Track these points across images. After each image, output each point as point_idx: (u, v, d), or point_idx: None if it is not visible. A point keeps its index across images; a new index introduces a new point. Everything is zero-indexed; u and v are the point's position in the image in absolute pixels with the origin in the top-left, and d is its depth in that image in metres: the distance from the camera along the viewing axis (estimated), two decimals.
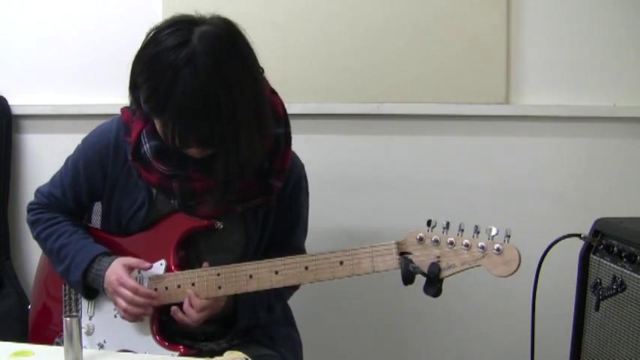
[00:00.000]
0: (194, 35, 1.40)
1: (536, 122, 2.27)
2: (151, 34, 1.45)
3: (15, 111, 2.44)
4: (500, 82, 2.24)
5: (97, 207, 1.79)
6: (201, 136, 1.43)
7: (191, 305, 1.54)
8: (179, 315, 1.55)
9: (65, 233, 1.66)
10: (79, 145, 1.70)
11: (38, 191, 1.74)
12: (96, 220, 1.82)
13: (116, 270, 1.57)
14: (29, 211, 1.73)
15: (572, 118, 2.25)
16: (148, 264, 1.58)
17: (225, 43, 1.43)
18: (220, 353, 1.39)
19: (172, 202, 1.59)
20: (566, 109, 2.24)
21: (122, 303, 1.55)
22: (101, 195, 1.68)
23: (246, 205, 1.59)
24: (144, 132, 1.57)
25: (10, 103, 2.43)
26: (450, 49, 2.24)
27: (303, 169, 1.73)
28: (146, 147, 1.56)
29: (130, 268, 1.58)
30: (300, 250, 1.75)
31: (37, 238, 1.71)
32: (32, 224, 1.71)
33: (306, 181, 1.74)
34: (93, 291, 1.63)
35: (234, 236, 1.64)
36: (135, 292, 1.54)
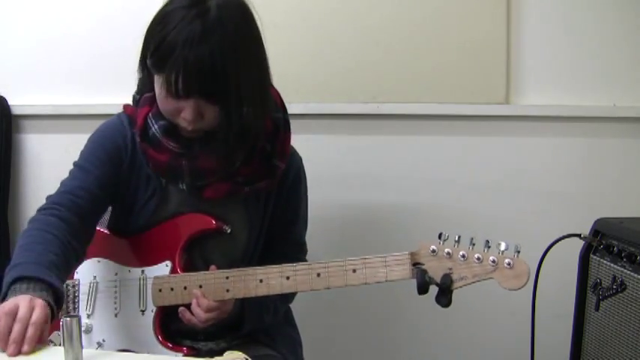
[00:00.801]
0: (210, 1, 1.45)
1: (536, 122, 2.27)
2: (164, 4, 1.49)
3: (15, 111, 2.44)
4: (500, 82, 2.24)
5: None
6: (205, 85, 1.44)
7: (198, 305, 1.53)
8: (187, 315, 1.55)
9: (42, 244, 1.45)
10: (86, 144, 1.65)
11: (48, 197, 1.57)
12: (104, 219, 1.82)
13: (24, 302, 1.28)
14: (38, 211, 1.54)
15: (572, 118, 2.25)
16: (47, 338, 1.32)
17: (239, 13, 1.49)
18: (220, 353, 1.39)
19: (181, 185, 1.59)
20: (566, 109, 2.24)
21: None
22: (112, 185, 1.61)
23: (253, 186, 1.60)
24: (150, 115, 1.58)
25: (10, 103, 2.43)
26: (450, 49, 2.24)
27: (302, 162, 1.74)
28: (154, 128, 1.57)
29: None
30: (300, 243, 1.76)
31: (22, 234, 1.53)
32: (29, 222, 1.54)
33: (305, 174, 1.75)
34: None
35: (239, 225, 1.64)
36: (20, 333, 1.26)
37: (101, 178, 1.59)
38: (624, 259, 1.64)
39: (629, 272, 1.63)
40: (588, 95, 2.24)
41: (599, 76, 2.24)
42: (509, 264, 1.39)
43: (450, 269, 1.43)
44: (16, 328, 1.24)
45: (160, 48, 1.44)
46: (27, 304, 1.27)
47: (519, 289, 1.39)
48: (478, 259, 1.41)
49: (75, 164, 1.63)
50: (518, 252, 1.39)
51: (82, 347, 1.29)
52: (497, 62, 2.24)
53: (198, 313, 1.53)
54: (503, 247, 1.39)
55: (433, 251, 1.45)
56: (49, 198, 1.57)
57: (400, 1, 2.25)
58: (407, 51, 2.25)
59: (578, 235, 1.76)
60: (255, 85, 1.51)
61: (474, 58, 2.24)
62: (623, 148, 2.25)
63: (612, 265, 1.68)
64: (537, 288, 1.78)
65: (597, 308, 1.72)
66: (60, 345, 1.29)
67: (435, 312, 2.34)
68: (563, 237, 1.74)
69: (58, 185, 1.60)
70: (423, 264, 1.45)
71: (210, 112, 1.49)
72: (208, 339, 1.67)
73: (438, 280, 1.43)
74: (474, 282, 1.42)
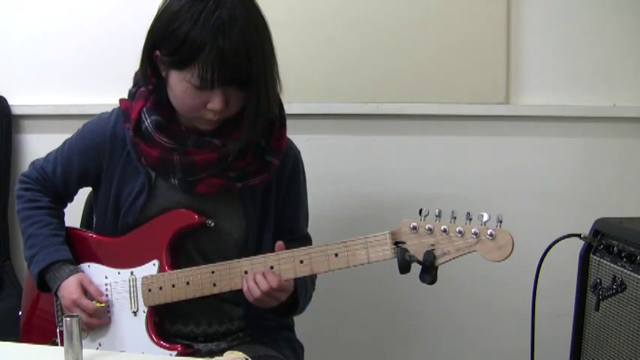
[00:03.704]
0: None
1: (536, 122, 2.27)
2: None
3: (15, 111, 2.44)
4: (500, 82, 2.24)
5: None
6: (241, 73, 1.45)
7: (268, 282, 1.49)
8: (249, 283, 1.51)
9: (39, 222, 1.70)
10: (78, 130, 1.73)
11: (32, 164, 1.78)
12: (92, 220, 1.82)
13: (72, 288, 1.61)
14: (19, 182, 1.78)
15: (572, 118, 2.25)
16: (104, 297, 1.62)
17: None
18: (220, 354, 1.39)
19: (172, 181, 1.59)
20: (566, 109, 2.24)
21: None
22: (91, 179, 1.70)
23: (245, 182, 1.59)
24: (144, 109, 1.59)
25: (10, 103, 2.43)
26: (450, 49, 2.24)
27: (300, 154, 1.74)
28: (147, 122, 1.58)
29: (84, 290, 1.62)
30: (306, 237, 1.76)
31: (17, 213, 1.76)
32: (17, 198, 1.77)
33: (303, 166, 1.75)
34: (48, 287, 1.67)
35: (234, 221, 1.64)
36: (90, 314, 1.60)
37: (75, 170, 1.70)
38: (624, 259, 1.64)
39: (629, 272, 1.63)
40: (588, 95, 2.24)
41: (599, 76, 2.24)
42: (491, 235, 1.35)
43: (432, 245, 1.40)
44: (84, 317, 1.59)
45: (185, 44, 1.43)
46: (75, 291, 1.60)
47: (503, 260, 1.35)
48: (460, 232, 1.38)
49: (64, 144, 1.74)
50: (501, 222, 1.36)
51: (82, 347, 1.29)
52: (497, 62, 2.24)
53: (253, 288, 1.50)
54: (485, 217, 1.36)
55: (414, 228, 1.42)
56: (32, 165, 1.78)
57: (401, 1, 2.25)
58: (407, 51, 2.25)
59: (578, 235, 1.76)
60: (274, 67, 1.53)
61: (474, 58, 2.24)
62: (623, 148, 2.25)
63: (612, 265, 1.68)
64: (537, 288, 1.78)
65: (597, 308, 1.72)
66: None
67: (435, 312, 2.35)
68: (563, 237, 1.74)
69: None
70: (405, 242, 1.43)
71: (235, 99, 1.50)
72: (208, 340, 1.67)
73: (421, 257, 1.40)
74: (457, 256, 1.39)
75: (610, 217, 1.78)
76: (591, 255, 1.76)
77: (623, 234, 1.67)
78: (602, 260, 1.72)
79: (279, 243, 1.53)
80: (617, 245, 1.68)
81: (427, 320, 2.37)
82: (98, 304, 1.60)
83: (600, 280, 1.71)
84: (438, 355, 2.39)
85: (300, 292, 1.61)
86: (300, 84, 2.26)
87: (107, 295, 1.63)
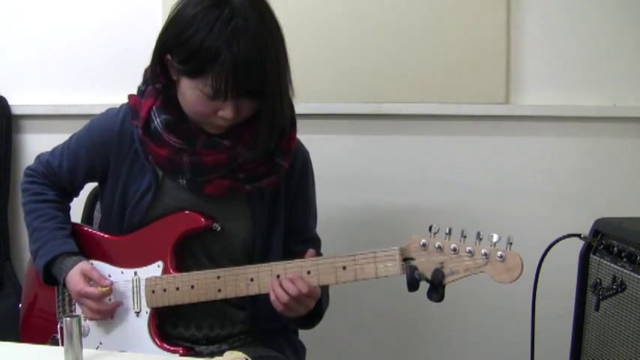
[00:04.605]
0: None
1: (536, 122, 2.27)
2: (181, 3, 1.47)
3: (15, 111, 2.44)
4: (500, 82, 2.24)
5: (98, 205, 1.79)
6: (255, 84, 1.45)
7: (297, 288, 1.47)
8: (277, 290, 1.48)
9: (44, 216, 1.68)
10: (85, 125, 1.71)
11: (38, 157, 1.76)
12: (96, 218, 1.82)
13: (76, 279, 1.59)
14: (25, 175, 1.76)
15: (572, 118, 2.25)
16: (107, 281, 1.60)
17: (260, 1, 1.49)
18: (220, 355, 1.39)
19: (180, 181, 1.58)
20: (566, 109, 2.24)
21: (87, 312, 1.60)
22: (97, 175, 1.69)
23: (254, 185, 1.59)
24: (154, 108, 1.57)
25: (10, 103, 2.43)
26: (450, 49, 2.24)
27: (309, 155, 1.73)
28: (157, 121, 1.56)
29: (87, 278, 1.60)
30: (315, 239, 1.75)
31: (22, 206, 1.74)
32: (22, 191, 1.75)
33: (312, 166, 1.74)
34: (55, 280, 1.66)
35: (240, 222, 1.63)
36: (97, 300, 1.59)
37: (82, 166, 1.69)
38: (624, 259, 1.64)
39: (629, 272, 1.63)
40: (588, 95, 2.25)
41: (599, 76, 2.24)
42: (501, 257, 1.34)
43: (441, 264, 1.38)
44: (92, 304, 1.59)
45: (199, 53, 1.42)
46: (79, 282, 1.59)
47: (512, 282, 1.34)
48: (469, 252, 1.36)
49: (71, 139, 1.72)
50: (511, 244, 1.34)
51: (82, 347, 1.29)
52: (497, 62, 2.24)
53: (281, 294, 1.47)
54: (495, 238, 1.33)
55: (423, 245, 1.40)
56: (38, 159, 1.76)
57: (401, 1, 2.25)
58: (407, 51, 2.26)
59: (578, 235, 1.76)
60: (288, 74, 1.52)
61: (474, 58, 2.24)
62: (623, 148, 2.25)
63: (612, 265, 1.68)
64: (537, 288, 1.78)
65: (597, 308, 1.72)
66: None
67: (436, 312, 2.35)
68: (563, 237, 1.74)
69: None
70: (414, 259, 1.42)
71: (247, 107, 1.50)
72: (210, 343, 1.67)
73: (429, 275, 1.38)
74: (465, 276, 1.38)
75: (610, 217, 1.78)
76: (591, 255, 1.76)
77: (623, 234, 1.67)
78: (602, 260, 1.72)
79: (311, 251, 1.52)
80: (617, 245, 1.68)
81: (428, 320, 2.37)
82: (102, 289, 1.59)
83: (600, 280, 1.72)
84: (438, 355, 2.39)
85: (322, 300, 1.59)
86: (300, 84, 2.23)
87: (110, 276, 1.62)
